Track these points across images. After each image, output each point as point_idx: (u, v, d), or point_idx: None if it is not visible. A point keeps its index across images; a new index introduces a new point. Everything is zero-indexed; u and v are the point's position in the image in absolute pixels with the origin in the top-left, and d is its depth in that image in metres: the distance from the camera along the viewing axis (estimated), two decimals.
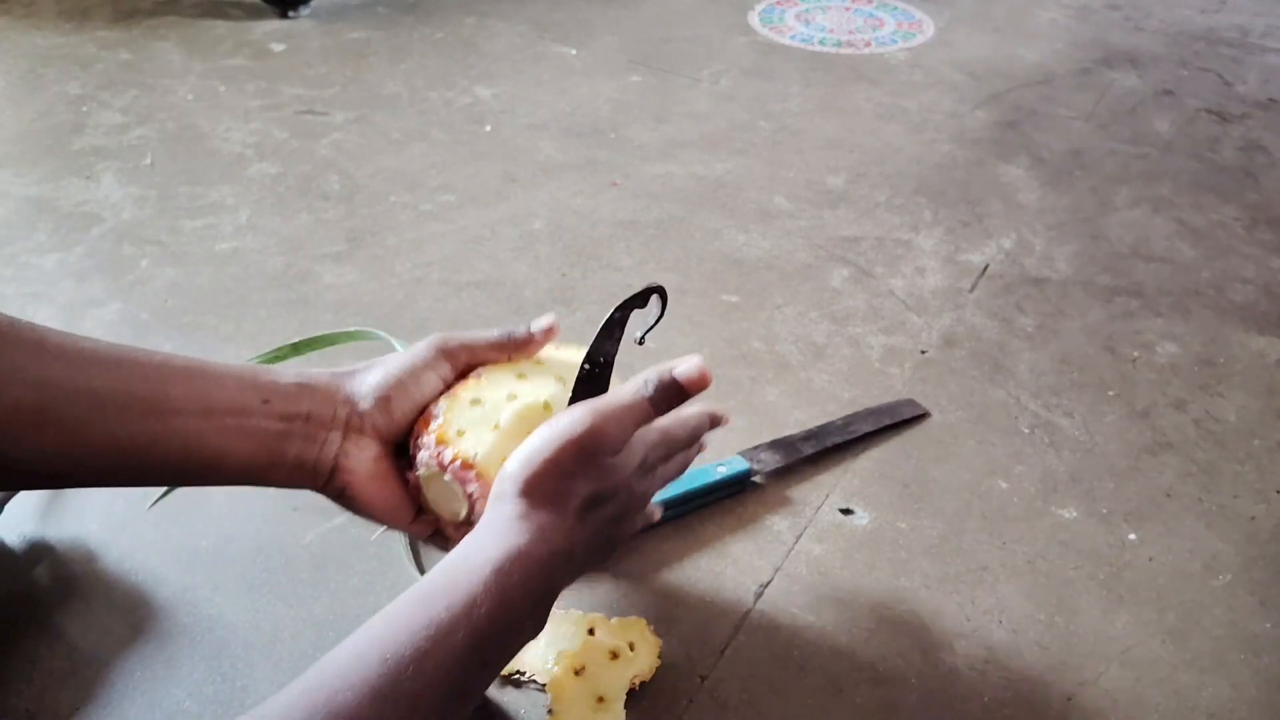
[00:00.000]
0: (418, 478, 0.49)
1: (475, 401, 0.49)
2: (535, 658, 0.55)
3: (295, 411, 0.46)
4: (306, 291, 0.89)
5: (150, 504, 0.67)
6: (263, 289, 0.89)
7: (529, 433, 0.46)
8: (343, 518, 0.66)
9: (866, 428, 0.74)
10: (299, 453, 0.46)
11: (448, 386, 0.51)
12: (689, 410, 0.51)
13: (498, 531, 0.42)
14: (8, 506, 0.65)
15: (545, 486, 0.43)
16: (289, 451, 0.46)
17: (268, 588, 0.61)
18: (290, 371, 0.48)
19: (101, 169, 1.07)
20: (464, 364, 0.51)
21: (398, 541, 0.64)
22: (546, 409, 0.49)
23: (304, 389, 0.47)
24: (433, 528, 0.52)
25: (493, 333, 0.52)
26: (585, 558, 0.46)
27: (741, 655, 0.58)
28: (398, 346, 0.74)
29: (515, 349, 0.52)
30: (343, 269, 0.92)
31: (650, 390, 0.47)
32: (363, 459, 0.48)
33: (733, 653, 0.58)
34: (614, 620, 0.58)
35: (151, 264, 0.92)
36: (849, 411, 0.76)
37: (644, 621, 0.58)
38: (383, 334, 0.76)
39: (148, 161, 1.09)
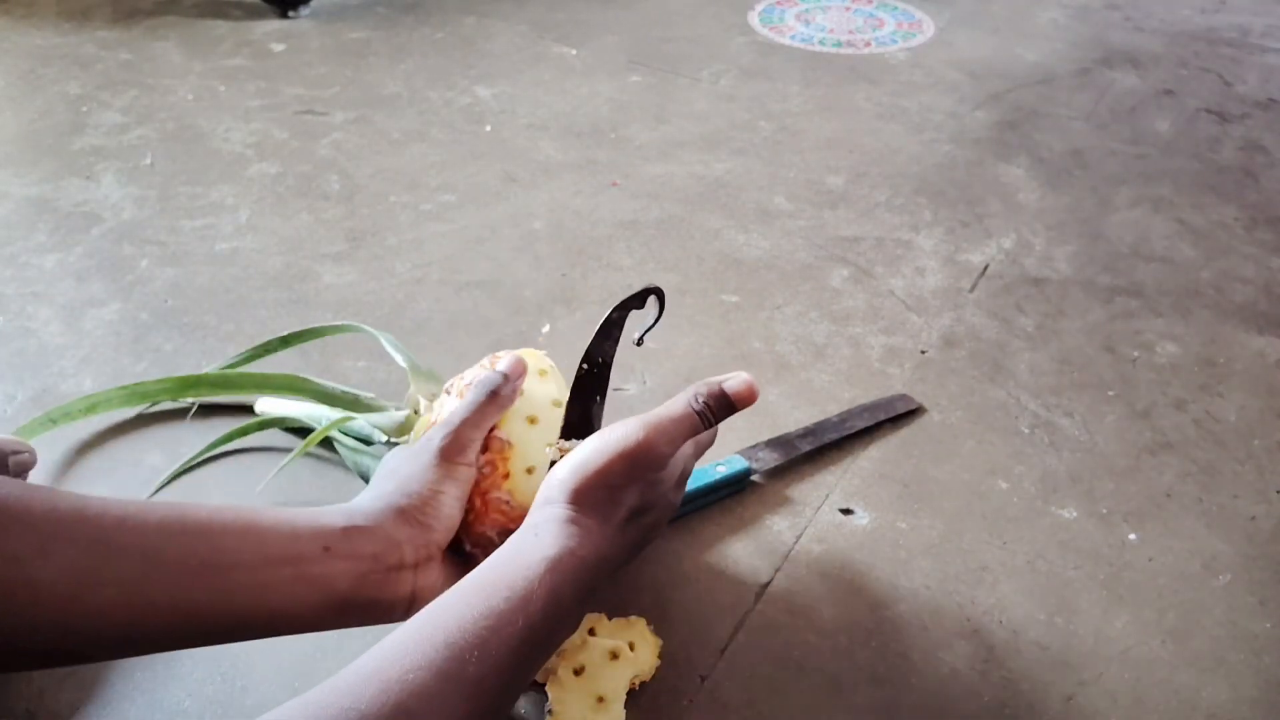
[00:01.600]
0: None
1: (529, 470, 0.52)
2: None
3: (361, 554, 0.46)
4: (306, 291, 0.89)
5: (148, 495, 0.67)
6: (263, 289, 0.89)
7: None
8: None
9: (862, 423, 0.74)
10: (372, 595, 0.46)
11: (482, 468, 0.52)
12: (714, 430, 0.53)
13: (550, 532, 0.44)
14: None
15: (595, 495, 0.46)
16: (360, 596, 0.46)
17: None
18: (338, 511, 0.47)
19: (101, 169, 1.07)
20: (472, 451, 0.52)
21: None
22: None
23: (362, 532, 0.46)
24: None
25: (470, 397, 0.52)
26: (621, 561, 0.48)
27: (741, 655, 0.58)
28: (384, 342, 0.74)
29: (499, 402, 0.53)
30: (343, 269, 0.92)
31: (700, 405, 0.48)
32: (436, 581, 0.49)
33: (733, 653, 0.58)
34: (613, 620, 0.58)
35: (151, 264, 0.92)
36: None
37: (644, 621, 0.58)
38: (369, 329, 0.76)
39: (148, 161, 1.09)
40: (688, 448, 0.50)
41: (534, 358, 0.57)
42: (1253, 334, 0.86)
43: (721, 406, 0.49)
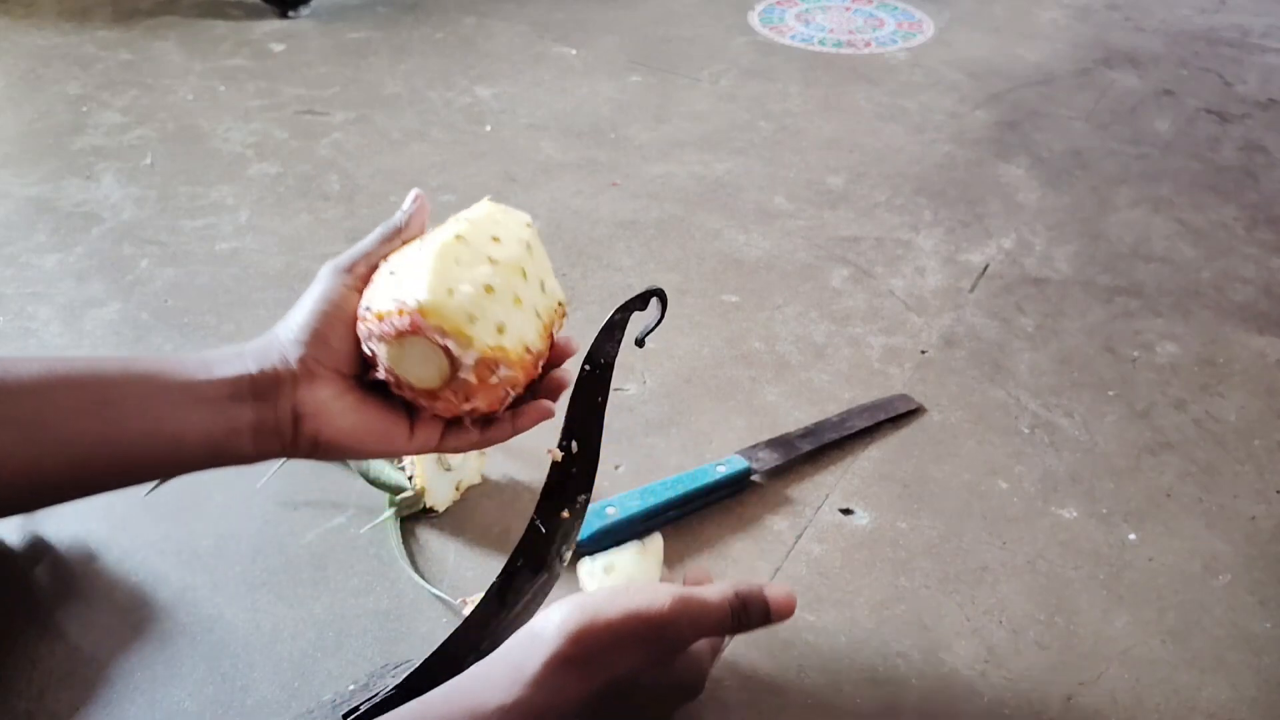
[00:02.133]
0: (389, 369, 0.46)
1: (392, 273, 0.48)
2: None
3: (239, 376, 0.43)
4: None
5: (147, 491, 0.67)
6: (263, 289, 0.89)
7: (455, 262, 0.46)
8: (342, 517, 0.66)
9: (862, 423, 0.74)
10: (255, 416, 0.44)
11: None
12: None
13: (521, 672, 0.41)
14: None
15: (592, 649, 0.41)
16: (244, 417, 0.44)
17: (268, 587, 0.61)
18: (223, 349, 0.46)
19: (101, 169, 1.07)
20: (366, 272, 0.49)
21: (395, 540, 0.64)
22: (459, 240, 0.50)
23: (241, 354, 0.44)
24: (439, 429, 0.49)
25: (374, 232, 0.52)
26: None
27: (742, 655, 0.58)
28: None
29: (401, 234, 0.52)
30: None
31: (738, 603, 0.45)
32: (324, 399, 0.45)
33: (733, 652, 0.58)
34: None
35: (151, 264, 0.92)
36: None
37: None
38: None
39: (148, 161, 1.09)
40: (703, 645, 0.45)
41: (504, 216, 0.55)
42: (1253, 334, 0.86)
43: (758, 612, 0.45)
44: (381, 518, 0.65)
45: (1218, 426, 0.76)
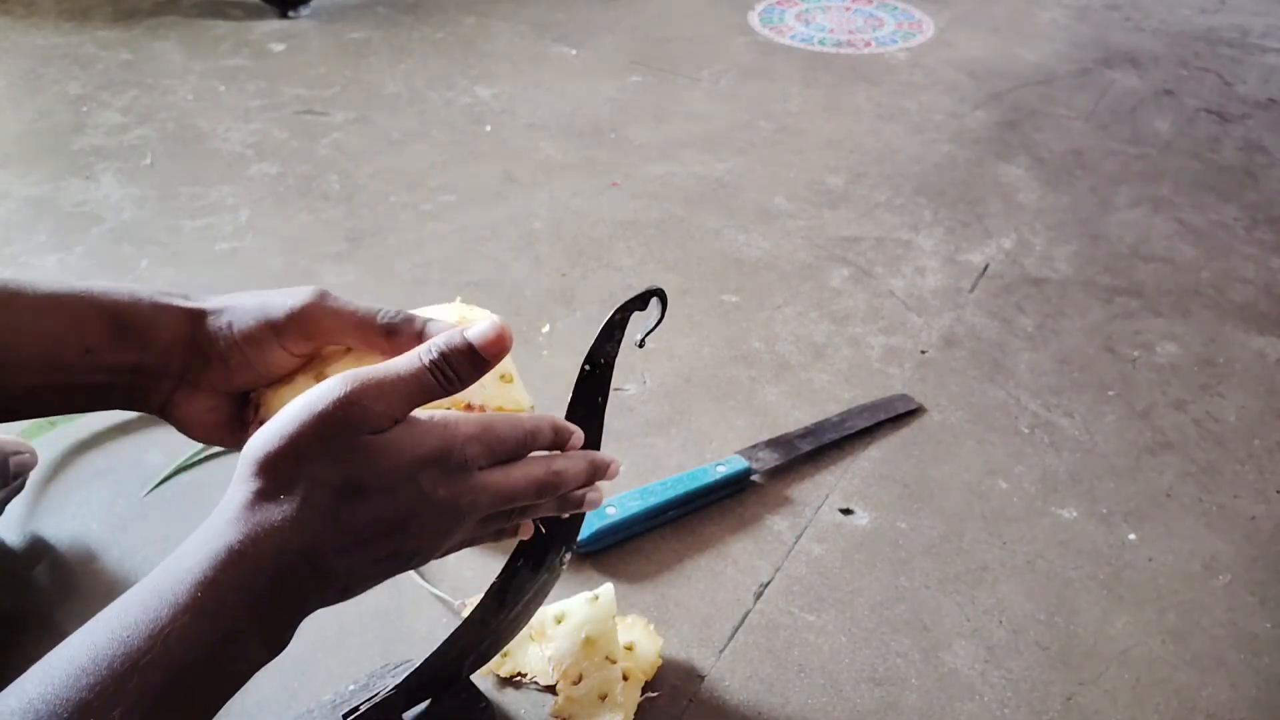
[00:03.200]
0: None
1: (319, 377, 0.43)
2: (536, 660, 0.55)
3: (120, 363, 0.41)
4: None
5: (145, 492, 0.67)
6: (263, 289, 0.89)
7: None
8: None
9: (862, 423, 0.74)
10: (123, 402, 0.42)
11: (301, 361, 0.44)
12: (540, 415, 0.42)
13: (214, 529, 0.35)
14: (8, 507, 0.65)
15: (281, 469, 0.35)
16: (112, 400, 0.41)
17: None
18: (122, 294, 0.41)
19: (101, 169, 1.07)
20: (325, 341, 0.44)
21: None
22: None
23: (135, 331, 0.41)
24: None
25: (374, 315, 0.43)
26: (348, 565, 0.36)
27: (741, 655, 0.58)
28: None
29: (384, 341, 0.43)
30: (343, 269, 0.92)
31: (433, 355, 0.38)
32: (193, 409, 0.42)
33: (732, 653, 0.58)
34: (614, 620, 0.58)
35: (151, 264, 0.92)
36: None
37: (645, 621, 0.58)
38: None
39: (148, 161, 1.09)
40: (456, 425, 0.38)
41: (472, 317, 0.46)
42: (1253, 334, 0.86)
43: (463, 359, 0.38)
44: None
45: (1218, 426, 0.76)
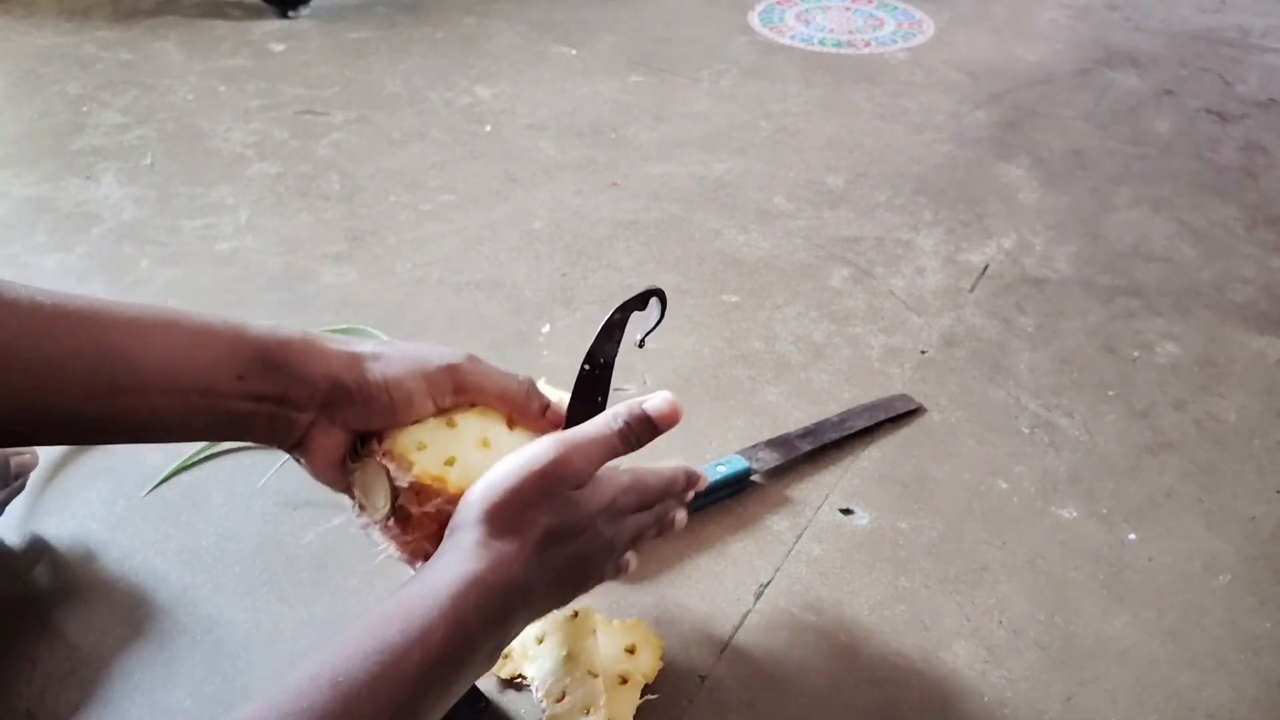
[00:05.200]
0: (357, 498, 0.48)
1: (450, 424, 0.48)
2: (537, 666, 0.55)
3: (268, 392, 0.44)
4: (306, 291, 0.89)
5: (145, 492, 0.67)
6: (263, 289, 0.89)
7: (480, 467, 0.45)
8: (342, 517, 0.66)
9: (862, 423, 0.74)
10: (264, 433, 0.45)
11: (436, 410, 0.48)
12: (666, 463, 0.50)
13: (456, 558, 0.41)
14: (8, 507, 0.65)
15: (506, 515, 0.42)
16: (255, 430, 0.45)
17: (268, 588, 0.61)
18: (269, 333, 0.45)
19: (101, 169, 1.07)
20: (470, 398, 0.49)
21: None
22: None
23: (288, 361, 0.44)
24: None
25: (513, 384, 0.50)
26: (544, 594, 0.44)
27: (741, 655, 0.58)
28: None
29: (521, 412, 0.50)
30: (343, 269, 0.92)
31: (619, 424, 0.46)
32: (325, 446, 0.46)
33: (733, 653, 0.58)
34: (615, 622, 0.58)
35: (151, 264, 0.92)
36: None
37: (645, 623, 0.58)
38: (370, 329, 0.76)
39: (148, 161, 1.09)
40: (621, 480, 0.46)
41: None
42: (1253, 334, 0.86)
43: (643, 427, 0.47)
44: None
45: (1218, 426, 0.76)
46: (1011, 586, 0.63)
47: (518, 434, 0.50)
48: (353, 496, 0.48)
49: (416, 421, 0.47)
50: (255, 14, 1.47)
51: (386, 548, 0.48)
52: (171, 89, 1.25)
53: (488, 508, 0.42)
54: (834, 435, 0.73)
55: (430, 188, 1.05)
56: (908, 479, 0.71)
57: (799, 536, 0.66)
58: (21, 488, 0.66)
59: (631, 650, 0.56)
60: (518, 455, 0.44)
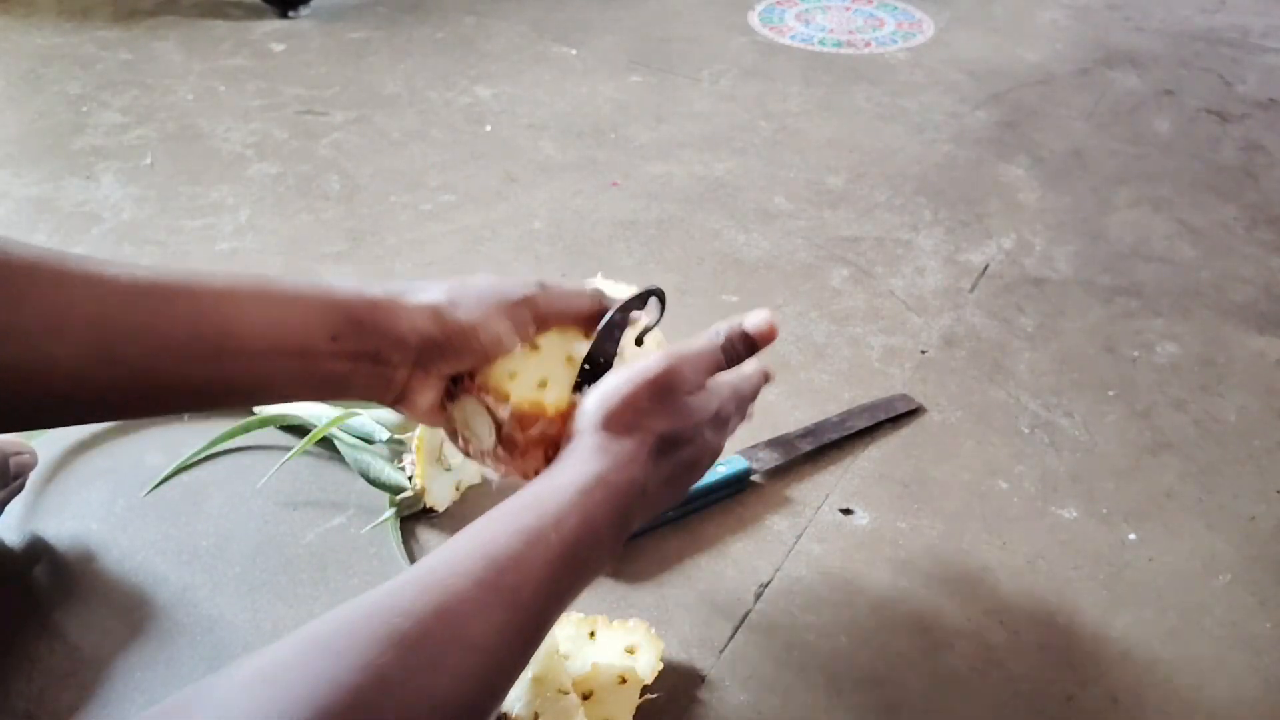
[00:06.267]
0: (461, 433, 0.50)
1: (534, 347, 0.50)
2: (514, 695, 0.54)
3: (363, 350, 0.46)
4: None
5: (145, 492, 0.67)
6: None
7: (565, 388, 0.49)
8: (342, 517, 0.66)
9: (862, 423, 0.74)
10: (364, 388, 0.47)
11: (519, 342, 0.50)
12: (749, 367, 0.53)
13: (579, 459, 0.44)
14: (8, 507, 0.65)
15: (624, 420, 0.45)
16: (353, 388, 0.47)
17: (268, 588, 0.61)
18: (366, 294, 0.46)
19: (101, 169, 1.07)
20: (549, 323, 0.51)
21: (395, 540, 0.64)
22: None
23: (376, 320, 0.46)
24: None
25: (585, 302, 0.52)
26: (658, 495, 0.47)
27: (741, 655, 0.58)
28: None
29: (595, 322, 0.52)
30: (343, 269, 0.92)
31: (722, 339, 0.50)
32: (425, 394, 0.49)
33: (732, 653, 0.58)
34: (615, 623, 0.58)
35: (152, 264, 0.92)
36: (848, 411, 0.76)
37: (645, 625, 0.58)
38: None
39: (148, 161, 1.09)
40: (724, 390, 0.50)
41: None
42: (1253, 334, 0.86)
43: (743, 342, 0.51)
44: (383, 518, 0.65)
45: (1218, 426, 0.76)
46: (1011, 586, 0.63)
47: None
48: (453, 434, 0.51)
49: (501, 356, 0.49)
50: (255, 14, 1.47)
51: (500, 471, 0.51)
52: (171, 89, 1.25)
53: (605, 415, 0.45)
54: (834, 435, 0.73)
55: (430, 188, 1.05)
56: (908, 479, 0.71)
57: (799, 536, 0.66)
58: (21, 487, 0.66)
59: (631, 650, 0.56)
60: (631, 367, 0.47)
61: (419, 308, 0.47)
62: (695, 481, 0.50)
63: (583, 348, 0.51)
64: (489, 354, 0.48)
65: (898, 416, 0.76)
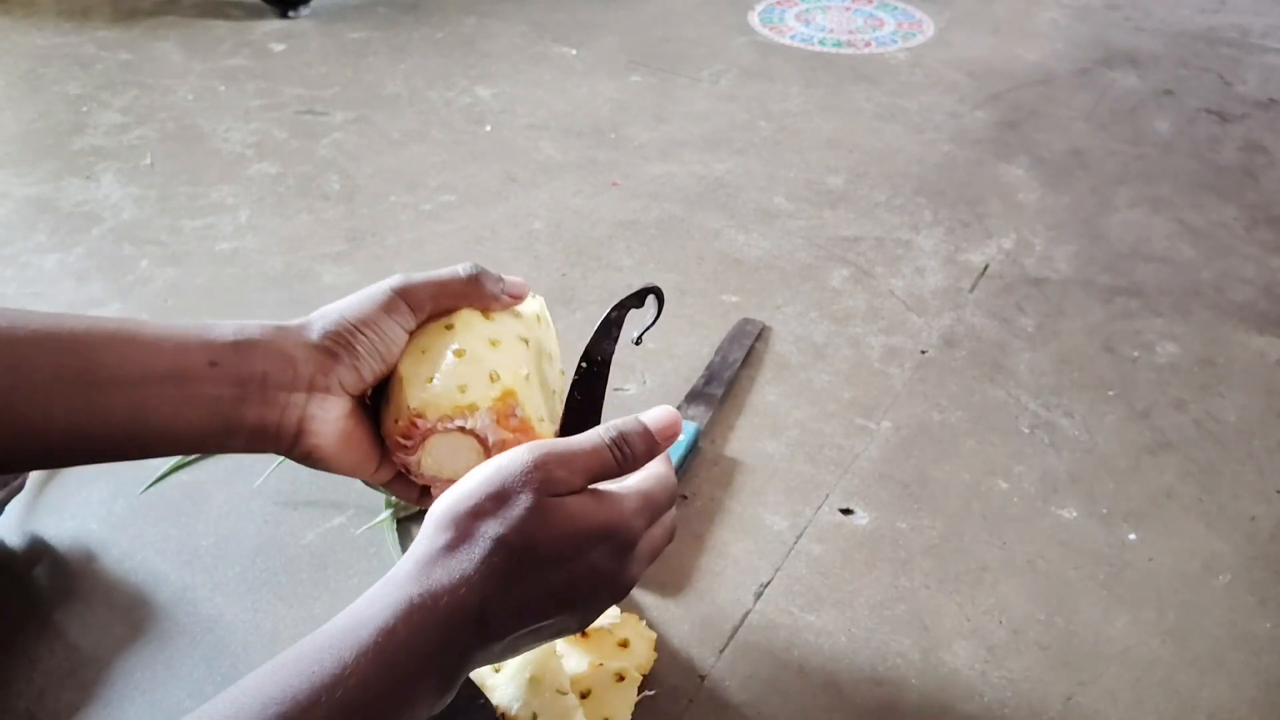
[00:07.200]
0: (431, 478, 0.47)
1: (459, 353, 0.46)
2: (505, 692, 0.54)
3: (249, 374, 0.42)
4: (306, 291, 0.89)
5: (143, 489, 0.67)
6: (263, 289, 0.89)
7: (421, 353, 0.45)
8: (342, 517, 0.66)
9: (740, 353, 0.79)
10: (258, 418, 0.43)
11: (411, 335, 0.47)
12: (657, 468, 0.44)
13: (399, 579, 0.37)
14: (8, 507, 0.65)
15: (464, 526, 0.37)
16: (247, 418, 0.42)
17: (268, 588, 0.61)
18: (230, 325, 0.43)
19: (101, 169, 1.07)
20: (428, 311, 0.47)
21: (391, 540, 0.64)
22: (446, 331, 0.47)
23: (254, 346, 0.42)
24: (394, 472, 0.49)
25: (460, 271, 0.47)
26: (508, 627, 0.37)
27: (741, 655, 0.58)
28: None
29: (481, 298, 0.48)
30: (343, 269, 0.92)
31: (613, 434, 0.41)
32: (330, 420, 0.44)
33: (732, 653, 0.58)
34: (606, 625, 0.58)
35: (151, 264, 0.92)
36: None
37: (637, 616, 0.58)
38: None
39: (148, 161, 1.09)
40: (633, 501, 0.40)
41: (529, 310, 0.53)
42: (1253, 334, 0.86)
43: (642, 440, 0.41)
44: (379, 518, 0.65)
45: (1218, 426, 0.76)
46: (1011, 586, 0.63)
47: (497, 319, 0.49)
48: (425, 490, 0.48)
49: (399, 360, 0.46)
50: (255, 14, 1.47)
51: None
52: (171, 89, 1.25)
53: (447, 515, 0.37)
54: (730, 372, 0.77)
55: (430, 188, 1.05)
56: (908, 479, 0.71)
57: (799, 536, 0.66)
58: (21, 487, 0.66)
59: (625, 644, 0.56)
60: (494, 461, 0.39)
61: (300, 327, 0.44)
62: (574, 618, 0.40)
63: (479, 324, 0.47)
64: (383, 351, 0.45)
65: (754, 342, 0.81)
